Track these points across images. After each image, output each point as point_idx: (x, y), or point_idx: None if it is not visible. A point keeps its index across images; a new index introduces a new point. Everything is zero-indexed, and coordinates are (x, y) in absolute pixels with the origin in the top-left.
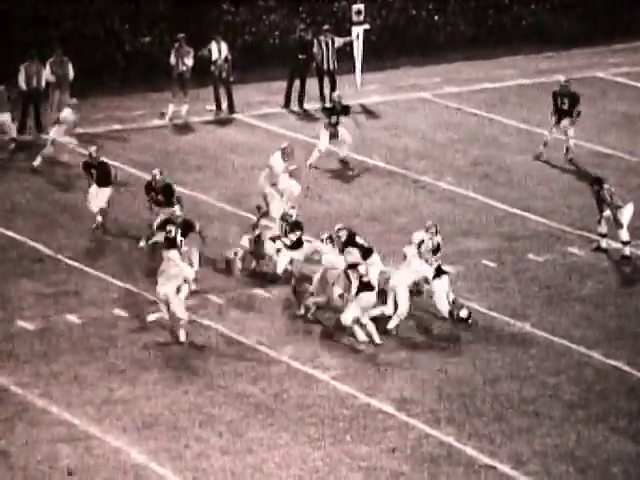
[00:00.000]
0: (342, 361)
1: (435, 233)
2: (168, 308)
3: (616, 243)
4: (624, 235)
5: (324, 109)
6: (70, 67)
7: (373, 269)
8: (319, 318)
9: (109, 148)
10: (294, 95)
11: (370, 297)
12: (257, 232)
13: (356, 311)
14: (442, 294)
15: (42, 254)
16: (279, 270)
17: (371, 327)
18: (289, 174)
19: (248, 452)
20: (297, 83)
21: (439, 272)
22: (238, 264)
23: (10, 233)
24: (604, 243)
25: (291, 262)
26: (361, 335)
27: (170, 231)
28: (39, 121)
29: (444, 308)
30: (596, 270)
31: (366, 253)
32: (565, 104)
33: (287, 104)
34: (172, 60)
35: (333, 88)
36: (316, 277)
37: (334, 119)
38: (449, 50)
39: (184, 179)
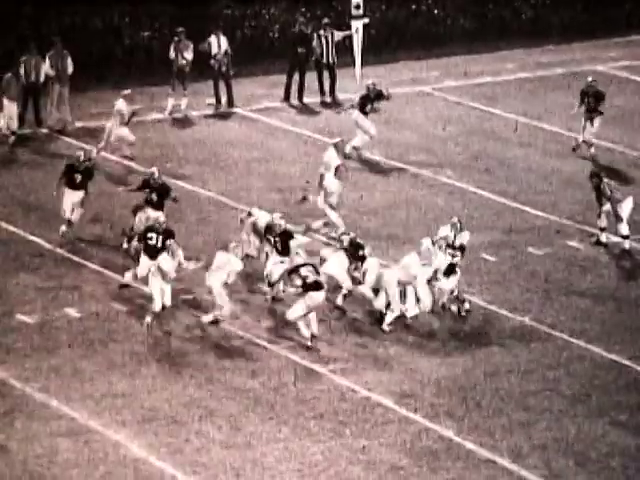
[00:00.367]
0: (342, 355)
1: (459, 230)
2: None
3: (616, 237)
4: (624, 229)
5: (361, 97)
6: (69, 61)
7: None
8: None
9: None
10: (294, 89)
11: (319, 296)
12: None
13: (302, 309)
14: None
15: (42, 248)
16: (273, 279)
17: (314, 325)
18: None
19: (248, 446)
20: (297, 77)
21: (450, 270)
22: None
23: (10, 227)
24: (604, 237)
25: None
26: (304, 331)
27: (151, 238)
28: (38, 115)
29: (428, 303)
30: (596, 264)
31: (362, 258)
32: (591, 103)
33: (287, 98)
34: (172, 54)
35: (333, 82)
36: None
37: (369, 107)
38: (449, 44)
39: (183, 173)
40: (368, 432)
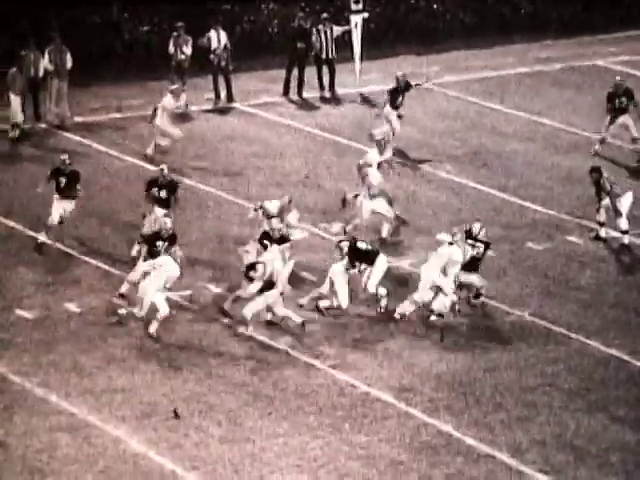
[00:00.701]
0: (341, 350)
1: (479, 229)
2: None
3: (615, 232)
4: (623, 224)
5: (389, 91)
6: (69, 56)
7: (376, 270)
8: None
9: (107, 137)
10: (293, 84)
11: (274, 293)
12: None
13: (258, 306)
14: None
15: (42, 244)
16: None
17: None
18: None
19: (247, 441)
20: (296, 72)
21: (471, 266)
22: None
23: (9, 222)
24: (603, 232)
25: None
26: (296, 318)
27: (158, 246)
28: (37, 110)
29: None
30: (595, 259)
31: (373, 257)
32: (623, 103)
33: (286, 93)
34: (171, 49)
35: (332, 77)
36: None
37: (399, 100)
38: (448, 38)
39: (183, 168)
40: (367, 427)
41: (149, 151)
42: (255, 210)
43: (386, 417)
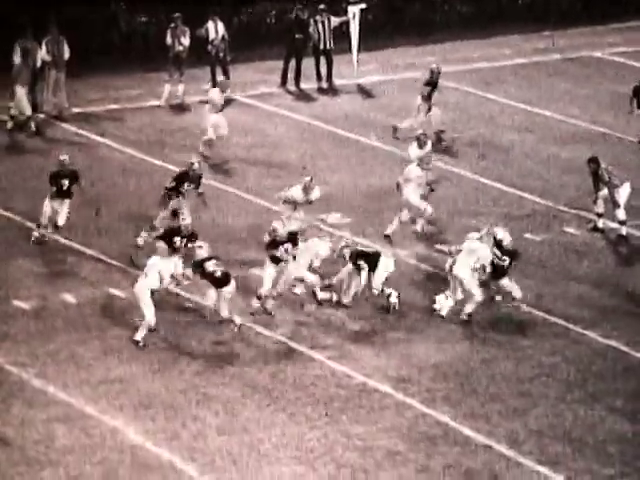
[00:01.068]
0: (339, 341)
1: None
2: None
3: (613, 223)
4: (621, 215)
5: (424, 83)
6: (66, 46)
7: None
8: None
9: (105, 128)
10: (290, 75)
11: (229, 289)
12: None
13: (226, 304)
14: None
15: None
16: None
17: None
18: (419, 161)
19: (244, 432)
20: (293, 63)
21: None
22: None
23: (7, 213)
24: (601, 223)
25: None
26: (269, 305)
27: (175, 242)
28: (35, 101)
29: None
30: (593, 250)
31: (374, 259)
32: None
33: (283, 84)
34: (168, 40)
35: (329, 68)
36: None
37: (428, 90)
38: (446, 29)
39: (180, 159)
40: (365, 418)
41: (202, 149)
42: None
43: (384, 408)
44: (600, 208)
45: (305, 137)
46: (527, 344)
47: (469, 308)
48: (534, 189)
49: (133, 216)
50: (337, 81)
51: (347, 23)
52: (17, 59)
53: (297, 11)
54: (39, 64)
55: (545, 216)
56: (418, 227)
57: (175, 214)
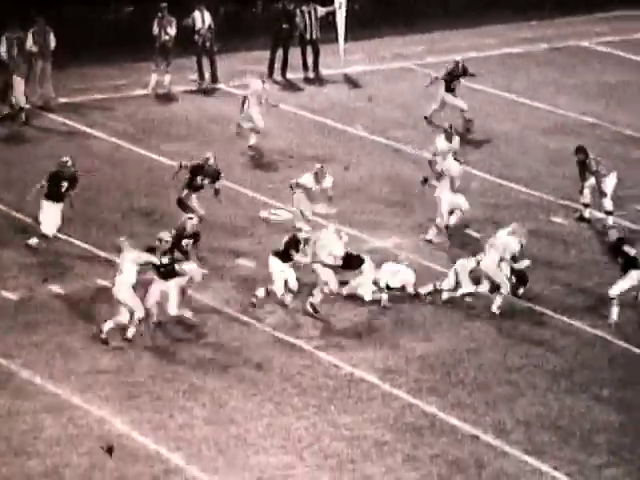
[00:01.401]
0: (325, 331)
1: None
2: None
3: (599, 213)
4: (608, 204)
5: (447, 73)
6: (52, 37)
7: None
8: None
9: (92, 118)
10: (277, 65)
11: (179, 281)
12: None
13: (176, 300)
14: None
15: (26, 224)
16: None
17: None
18: (453, 154)
19: (231, 422)
20: (280, 53)
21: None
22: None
23: None
24: (587, 213)
25: None
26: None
27: (184, 246)
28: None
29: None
30: (579, 240)
31: (360, 264)
32: None
33: (270, 74)
34: (155, 30)
35: (316, 58)
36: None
37: (454, 83)
38: (433, 19)
39: (167, 149)
40: (352, 408)
41: (252, 141)
42: (291, 188)
43: (371, 398)
44: (587, 198)
45: (291, 127)
46: (514, 334)
47: (498, 301)
48: (521, 179)
49: (120, 206)
50: (324, 71)
51: (333, 13)
52: (3, 52)
53: (284, 1)
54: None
55: (532, 206)
56: (452, 220)
57: (184, 207)
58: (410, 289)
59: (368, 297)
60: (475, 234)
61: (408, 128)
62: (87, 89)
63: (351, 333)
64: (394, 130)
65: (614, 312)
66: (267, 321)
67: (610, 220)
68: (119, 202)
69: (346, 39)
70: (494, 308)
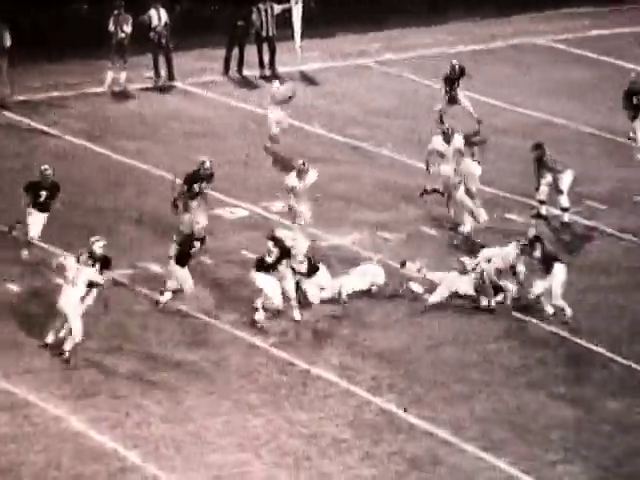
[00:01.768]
0: (282, 328)
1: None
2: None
3: (555, 210)
4: (564, 201)
5: (444, 79)
6: (7, 34)
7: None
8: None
9: (48, 115)
10: (233, 62)
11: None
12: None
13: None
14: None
15: None
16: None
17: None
18: (471, 155)
19: (188, 420)
20: (236, 50)
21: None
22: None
23: None
24: (543, 210)
25: None
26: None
27: (195, 246)
28: None
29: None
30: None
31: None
32: None
33: (226, 71)
34: (111, 27)
35: (272, 55)
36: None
37: (454, 87)
38: (390, 17)
39: (123, 147)
40: (309, 405)
41: (268, 144)
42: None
43: (328, 395)
44: (543, 195)
45: (247, 125)
46: (470, 331)
47: (509, 300)
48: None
49: (76, 204)
50: (280, 68)
51: (290, 10)
52: None
53: None
54: None
55: (488, 203)
56: (466, 229)
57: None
58: (379, 284)
59: (316, 300)
60: (430, 231)
61: (366, 125)
62: (43, 87)
63: (308, 331)
64: (352, 128)
65: (549, 310)
66: (224, 318)
67: (566, 217)
68: (75, 200)
69: (302, 36)
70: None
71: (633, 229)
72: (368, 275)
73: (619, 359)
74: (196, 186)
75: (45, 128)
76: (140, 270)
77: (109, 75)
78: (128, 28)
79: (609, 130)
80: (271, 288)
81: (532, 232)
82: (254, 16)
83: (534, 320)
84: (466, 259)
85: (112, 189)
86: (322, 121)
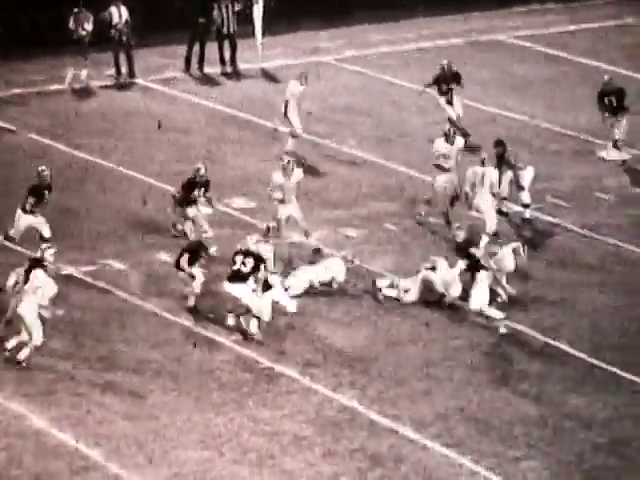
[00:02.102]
0: (244, 326)
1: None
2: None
3: (517, 206)
4: (525, 198)
5: (434, 78)
6: None
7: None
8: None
9: (8, 113)
10: (194, 59)
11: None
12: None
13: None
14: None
15: None
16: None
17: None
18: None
19: (150, 418)
20: (197, 47)
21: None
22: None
23: None
24: (504, 206)
25: None
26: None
27: (202, 257)
28: None
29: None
30: (496, 233)
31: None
32: (613, 102)
33: (187, 68)
34: (71, 25)
35: (233, 52)
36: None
37: (444, 87)
38: (351, 13)
39: (83, 144)
40: (271, 403)
41: (288, 146)
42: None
43: (290, 392)
44: (504, 192)
45: (209, 122)
46: (432, 328)
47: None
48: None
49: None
50: (241, 65)
51: (251, 7)
52: None
53: None
54: None
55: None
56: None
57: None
58: (339, 280)
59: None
60: (392, 227)
61: (328, 122)
62: (3, 84)
63: (270, 328)
64: (313, 125)
65: (495, 314)
66: (185, 316)
67: (527, 213)
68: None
69: (264, 33)
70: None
71: (594, 225)
72: (330, 270)
73: (581, 355)
74: (195, 192)
75: (5, 125)
76: (101, 266)
77: (70, 73)
78: (89, 26)
79: (570, 127)
80: (250, 299)
81: (460, 237)
82: (215, 13)
83: (496, 317)
84: (436, 258)
85: (73, 186)
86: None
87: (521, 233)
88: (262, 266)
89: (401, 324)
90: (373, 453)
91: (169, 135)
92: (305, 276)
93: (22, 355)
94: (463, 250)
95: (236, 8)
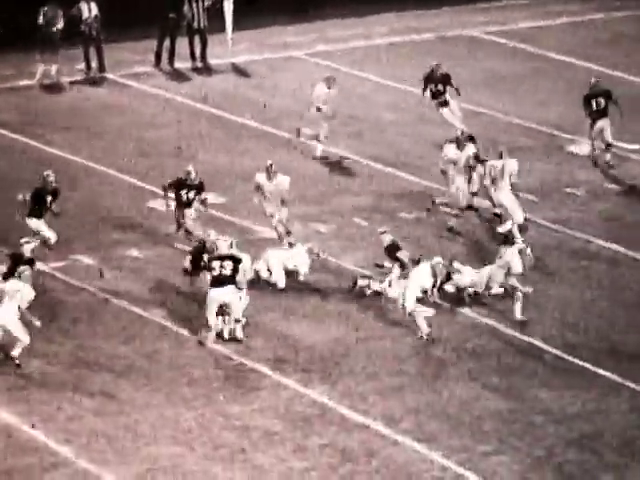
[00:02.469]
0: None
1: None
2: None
3: (486, 201)
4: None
5: (425, 78)
6: None
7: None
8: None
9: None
10: (164, 54)
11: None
12: None
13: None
14: None
15: None
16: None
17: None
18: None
19: (121, 413)
20: (167, 42)
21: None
22: None
23: None
24: (475, 201)
25: None
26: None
27: (205, 260)
28: None
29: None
30: (467, 228)
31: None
32: (601, 104)
33: (157, 63)
34: (40, 20)
35: (204, 47)
36: None
37: (432, 87)
38: (322, 8)
39: (54, 139)
40: (242, 398)
41: (318, 153)
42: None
43: (260, 388)
44: (474, 187)
45: (180, 117)
46: (402, 323)
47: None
48: (408, 167)
49: (6, 198)
50: (211, 60)
51: (221, 2)
52: None
53: None
54: None
55: (419, 195)
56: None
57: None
58: (304, 271)
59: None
60: (364, 222)
61: (298, 118)
62: None
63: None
64: (284, 120)
65: (423, 324)
66: (156, 312)
67: (498, 209)
68: (5, 193)
69: (234, 28)
70: (518, 315)
71: (564, 220)
72: (293, 259)
73: (551, 349)
74: (184, 193)
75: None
76: (71, 262)
77: (40, 68)
78: (59, 21)
79: (540, 122)
80: (237, 303)
81: (387, 240)
82: (185, 8)
83: (465, 311)
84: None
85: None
86: (253, 113)
87: (491, 228)
88: (240, 266)
89: (371, 319)
90: (344, 448)
91: (139, 130)
92: (272, 260)
93: (16, 352)
94: (390, 253)
95: (206, 3)
